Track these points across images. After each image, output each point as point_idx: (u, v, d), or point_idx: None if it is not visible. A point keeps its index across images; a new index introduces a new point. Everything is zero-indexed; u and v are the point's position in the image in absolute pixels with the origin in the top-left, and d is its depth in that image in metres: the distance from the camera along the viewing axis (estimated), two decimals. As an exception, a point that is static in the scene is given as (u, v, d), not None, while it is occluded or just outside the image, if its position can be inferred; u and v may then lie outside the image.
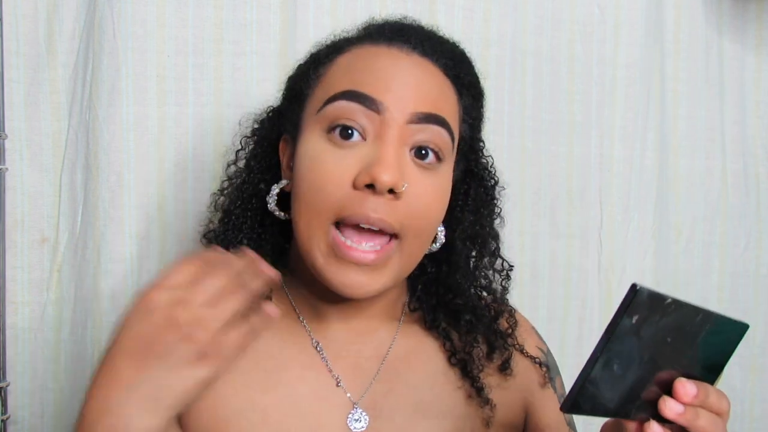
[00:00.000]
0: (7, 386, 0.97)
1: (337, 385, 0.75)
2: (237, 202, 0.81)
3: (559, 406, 0.66)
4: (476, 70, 0.79)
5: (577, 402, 0.53)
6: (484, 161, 0.83)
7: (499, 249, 0.85)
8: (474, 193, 0.82)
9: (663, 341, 0.55)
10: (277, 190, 0.77)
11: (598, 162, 1.19)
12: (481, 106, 0.80)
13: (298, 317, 0.78)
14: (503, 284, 0.85)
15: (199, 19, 1.01)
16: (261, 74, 1.04)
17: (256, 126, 0.84)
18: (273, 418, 0.72)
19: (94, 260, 1.00)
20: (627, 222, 1.19)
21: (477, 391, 0.79)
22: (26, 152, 0.98)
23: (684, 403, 0.56)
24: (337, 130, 0.69)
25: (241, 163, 0.84)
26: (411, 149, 0.70)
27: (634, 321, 0.53)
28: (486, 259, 0.83)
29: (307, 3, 1.06)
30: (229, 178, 0.84)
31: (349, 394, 0.75)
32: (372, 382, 0.77)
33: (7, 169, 0.96)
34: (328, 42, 0.79)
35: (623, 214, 1.19)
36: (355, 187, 0.68)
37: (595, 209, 1.19)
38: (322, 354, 0.76)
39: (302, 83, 0.77)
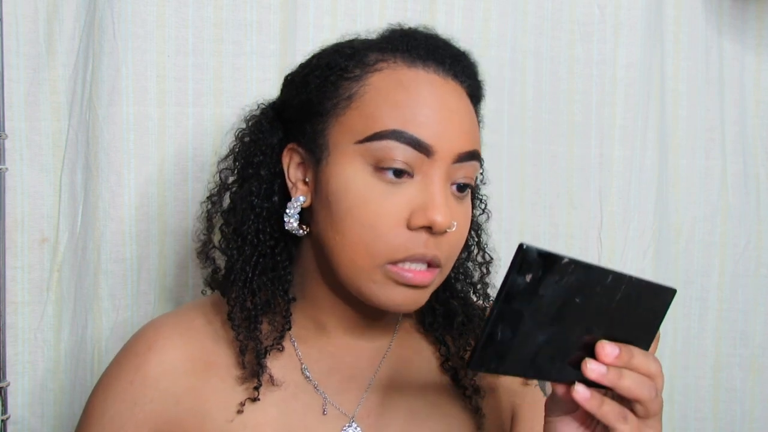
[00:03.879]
0: (7, 386, 0.97)
1: (331, 401, 0.76)
2: (249, 220, 0.75)
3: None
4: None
5: (481, 359, 0.55)
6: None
7: (481, 241, 0.84)
8: None
9: (570, 302, 0.56)
10: (299, 209, 0.73)
11: (598, 162, 1.19)
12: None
13: (290, 338, 0.78)
14: (484, 280, 0.84)
15: (199, 19, 1.01)
16: (261, 74, 1.04)
17: (250, 125, 0.78)
18: None
19: (94, 260, 1.00)
20: (627, 222, 1.19)
21: (468, 398, 0.79)
22: (26, 152, 0.98)
23: (606, 364, 0.57)
24: (390, 172, 0.68)
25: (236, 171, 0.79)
26: (452, 184, 0.71)
27: (528, 279, 0.54)
28: (467, 253, 0.83)
29: (307, 3, 1.06)
30: (228, 189, 0.79)
31: (343, 408, 0.76)
32: (366, 393, 0.77)
33: (7, 169, 0.96)
34: (347, 49, 0.73)
35: (623, 214, 1.19)
36: (409, 227, 0.68)
37: (595, 209, 1.19)
38: (308, 376, 0.76)
39: (320, 95, 0.72)
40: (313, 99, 0.72)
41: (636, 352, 0.59)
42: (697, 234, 1.25)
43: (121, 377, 0.75)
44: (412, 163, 0.68)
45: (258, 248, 0.74)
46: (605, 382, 0.57)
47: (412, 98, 0.69)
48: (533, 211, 1.19)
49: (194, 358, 0.75)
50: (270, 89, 1.01)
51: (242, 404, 0.73)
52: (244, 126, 0.79)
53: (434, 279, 0.71)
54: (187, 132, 1.02)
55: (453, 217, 0.70)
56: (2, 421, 0.96)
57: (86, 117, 0.99)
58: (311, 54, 0.77)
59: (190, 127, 1.02)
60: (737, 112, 1.25)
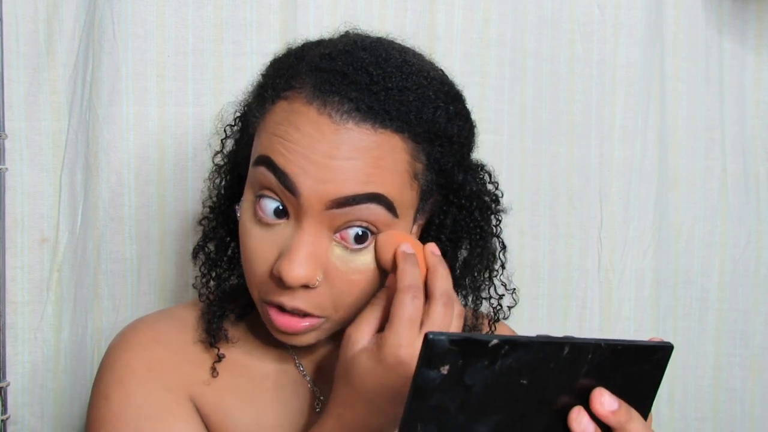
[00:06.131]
0: (7, 386, 0.97)
1: (324, 399, 0.76)
2: (222, 200, 0.78)
3: None
4: (456, 106, 0.69)
5: None
6: (472, 189, 0.73)
7: (486, 275, 0.77)
8: (451, 222, 0.73)
9: (514, 385, 0.50)
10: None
11: (598, 162, 1.19)
12: (462, 142, 0.70)
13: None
14: (496, 312, 0.79)
15: (199, 19, 1.01)
16: (261, 74, 1.04)
17: (238, 115, 0.78)
18: None
19: (94, 260, 1.00)
20: (627, 222, 1.19)
21: None
22: (26, 152, 0.98)
23: (598, 415, 0.51)
24: (269, 210, 0.65)
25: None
26: (336, 231, 0.65)
27: (444, 371, 0.47)
28: (465, 290, 0.77)
29: (307, 3, 1.06)
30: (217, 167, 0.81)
31: None
32: None
33: (7, 169, 0.96)
34: (283, 62, 0.70)
35: (623, 214, 1.19)
36: (271, 274, 0.65)
37: (595, 209, 1.19)
38: (303, 371, 0.77)
39: (253, 110, 0.70)
40: (248, 111, 0.72)
41: (636, 416, 0.51)
42: (697, 234, 1.25)
43: (136, 368, 0.72)
44: (286, 201, 0.64)
45: (224, 227, 0.77)
46: (611, 420, 0.51)
47: (290, 133, 0.64)
48: (533, 211, 1.19)
49: (202, 351, 0.75)
50: (270, 89, 1.01)
51: (213, 368, 0.74)
52: (237, 115, 0.79)
53: (313, 325, 0.67)
54: (187, 132, 1.02)
55: (327, 266, 0.65)
56: (2, 421, 0.96)
57: (86, 117, 0.99)
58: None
59: (190, 127, 1.02)
60: (737, 112, 1.25)
